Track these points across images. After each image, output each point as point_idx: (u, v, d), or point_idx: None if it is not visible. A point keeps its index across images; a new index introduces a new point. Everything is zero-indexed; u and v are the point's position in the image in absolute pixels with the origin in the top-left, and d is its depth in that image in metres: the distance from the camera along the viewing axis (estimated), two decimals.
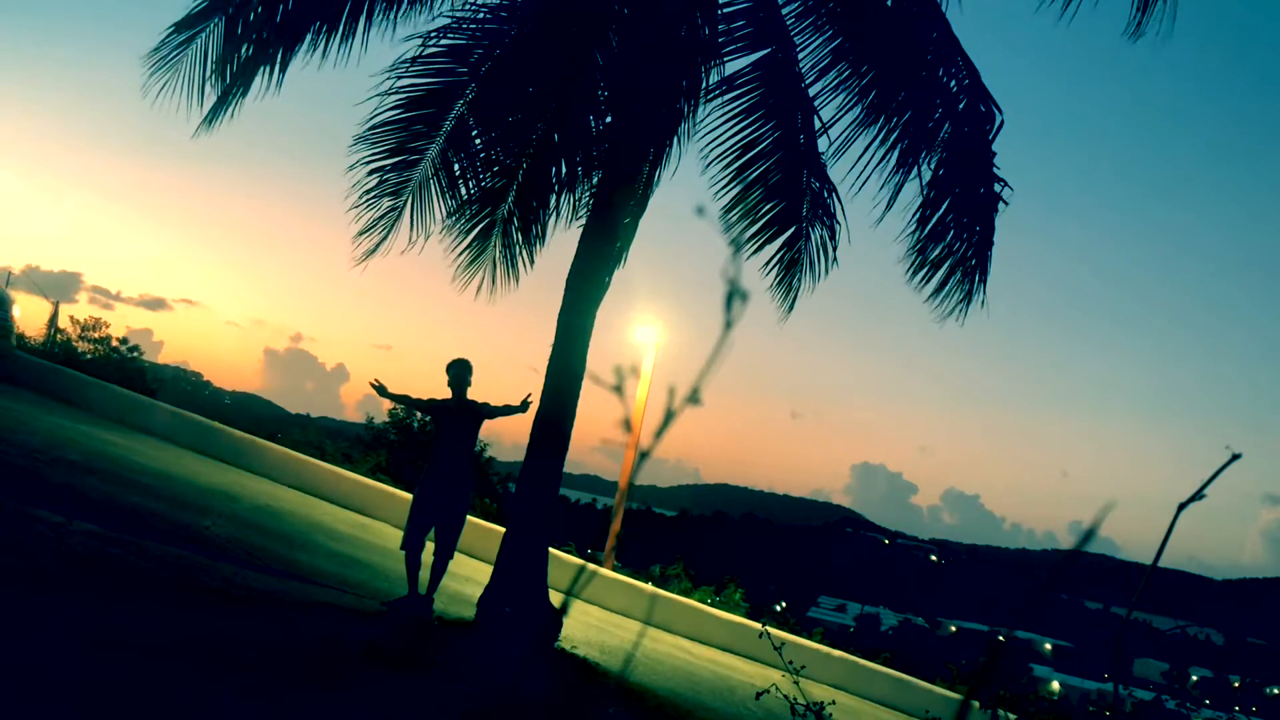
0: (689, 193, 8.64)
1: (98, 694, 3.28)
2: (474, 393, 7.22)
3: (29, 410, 11.06)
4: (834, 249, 8.11)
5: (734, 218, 7.89)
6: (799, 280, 8.23)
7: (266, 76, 7.46)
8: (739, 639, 12.99)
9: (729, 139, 7.76)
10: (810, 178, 7.91)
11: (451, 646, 6.07)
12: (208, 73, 7.51)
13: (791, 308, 8.30)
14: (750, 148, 7.79)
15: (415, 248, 8.63)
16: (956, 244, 7.65)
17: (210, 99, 7.58)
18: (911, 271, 7.75)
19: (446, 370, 7.24)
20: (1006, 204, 7.68)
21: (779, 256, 8.13)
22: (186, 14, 7.39)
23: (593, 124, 8.55)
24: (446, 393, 7.19)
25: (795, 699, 4.44)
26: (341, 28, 7.46)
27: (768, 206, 7.93)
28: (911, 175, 7.50)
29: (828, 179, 7.91)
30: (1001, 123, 7.48)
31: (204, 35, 7.48)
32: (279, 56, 7.39)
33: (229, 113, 7.63)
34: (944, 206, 7.61)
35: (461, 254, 9.10)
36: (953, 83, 7.52)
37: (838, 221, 7.98)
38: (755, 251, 8.06)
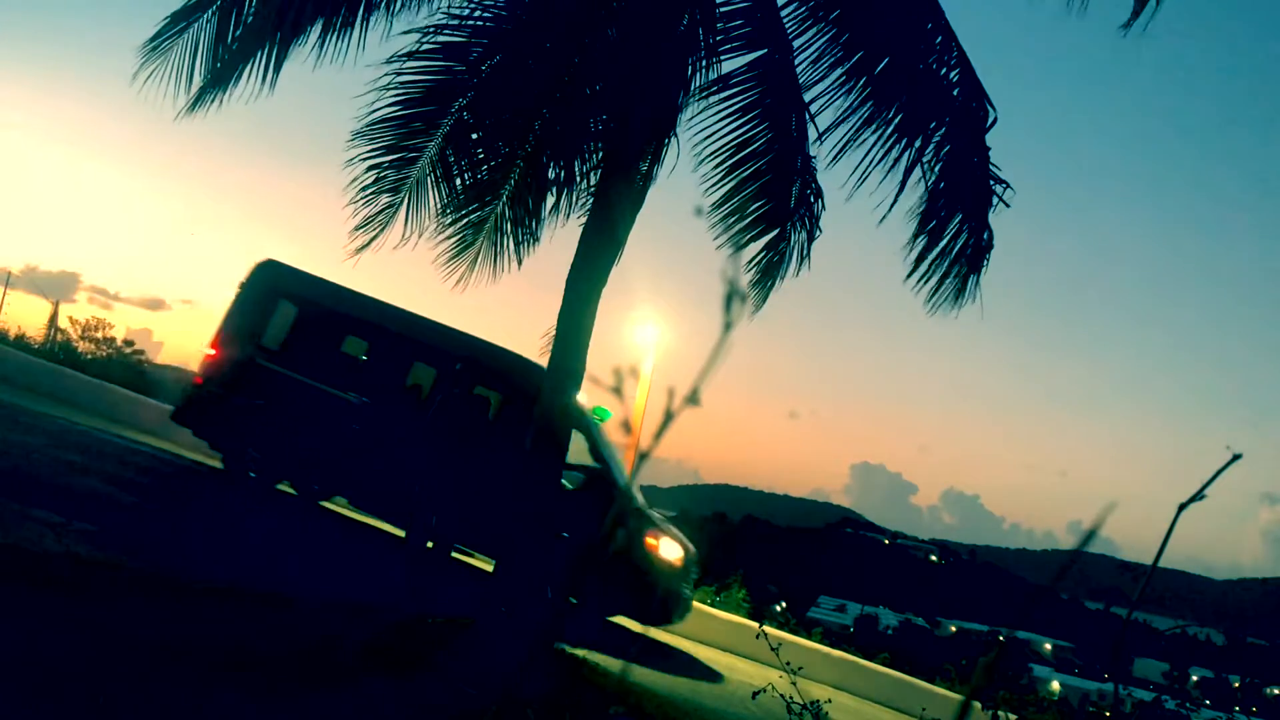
0: (681, 190, 8.69)
1: (98, 693, 3.28)
2: None
3: (30, 409, 11.06)
4: (809, 252, 8.23)
5: (722, 214, 7.97)
6: (777, 280, 8.31)
7: (260, 68, 7.33)
8: (739, 639, 12.99)
9: (723, 137, 7.78)
10: (799, 179, 7.96)
11: (452, 646, 6.07)
12: (198, 63, 7.41)
13: (762, 304, 8.41)
14: (743, 146, 7.81)
15: (414, 242, 8.65)
16: (954, 241, 7.66)
17: (199, 89, 7.48)
18: (910, 270, 7.76)
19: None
20: (1008, 205, 7.68)
21: (761, 255, 8.19)
22: (182, 4, 7.34)
23: (592, 124, 8.56)
24: None
25: (792, 698, 4.45)
26: (339, 21, 7.39)
27: (756, 205, 7.96)
28: (913, 175, 7.50)
29: (815, 182, 7.97)
30: (995, 119, 7.46)
31: (197, 25, 7.39)
32: (274, 48, 7.29)
33: (219, 99, 7.50)
34: (941, 204, 7.61)
35: (457, 252, 9.11)
36: (952, 74, 7.50)
37: (818, 226, 8.08)
38: (739, 249, 8.13)
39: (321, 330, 10.36)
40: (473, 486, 9.24)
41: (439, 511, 9.27)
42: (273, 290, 10.26)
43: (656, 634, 10.09)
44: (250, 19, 7.25)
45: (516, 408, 9.77)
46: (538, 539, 7.21)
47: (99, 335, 18.87)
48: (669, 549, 9.42)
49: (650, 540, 9.36)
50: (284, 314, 10.40)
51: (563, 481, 9.64)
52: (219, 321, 10.17)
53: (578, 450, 10.07)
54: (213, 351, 9.98)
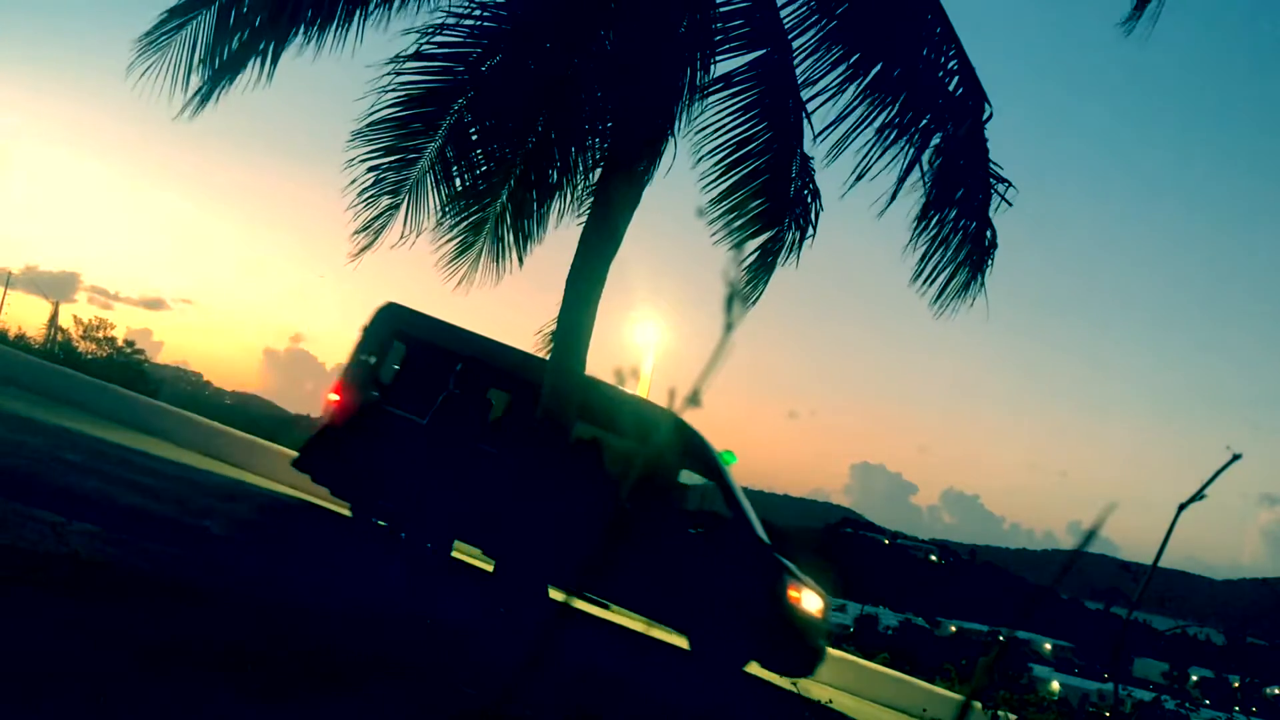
0: (680, 188, 8.71)
1: (97, 694, 3.28)
2: None
3: (30, 410, 11.06)
4: (800, 249, 8.29)
5: (721, 212, 8.00)
6: (771, 275, 8.37)
7: (259, 62, 7.29)
8: None
9: (723, 136, 7.80)
10: (797, 178, 7.98)
11: (453, 647, 6.07)
12: (196, 58, 7.36)
13: (756, 300, 8.44)
14: (743, 145, 7.84)
15: (414, 243, 8.67)
16: (954, 238, 7.65)
17: (196, 86, 7.43)
18: (915, 269, 7.75)
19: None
20: (1010, 204, 7.67)
21: (757, 252, 8.21)
22: (177, 1, 7.31)
23: (592, 124, 8.56)
24: None
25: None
26: (336, 19, 7.35)
27: (755, 204, 7.99)
28: (912, 173, 7.49)
29: (813, 181, 7.99)
30: (991, 114, 7.46)
31: (196, 22, 7.35)
32: (273, 41, 7.25)
33: (217, 95, 7.45)
34: (941, 200, 7.60)
35: (459, 253, 9.12)
36: (950, 64, 7.49)
37: (814, 225, 8.12)
38: (738, 246, 8.19)
39: (443, 374, 9.95)
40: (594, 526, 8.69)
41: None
42: (394, 333, 10.05)
43: (659, 634, 10.08)
44: (249, 10, 7.23)
45: (644, 457, 9.23)
46: (538, 537, 7.21)
47: (100, 335, 18.89)
48: (810, 600, 9.20)
49: (793, 592, 9.14)
50: (402, 357, 10.24)
51: (689, 528, 9.41)
52: (343, 367, 9.95)
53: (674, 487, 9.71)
54: (336, 397, 9.77)
